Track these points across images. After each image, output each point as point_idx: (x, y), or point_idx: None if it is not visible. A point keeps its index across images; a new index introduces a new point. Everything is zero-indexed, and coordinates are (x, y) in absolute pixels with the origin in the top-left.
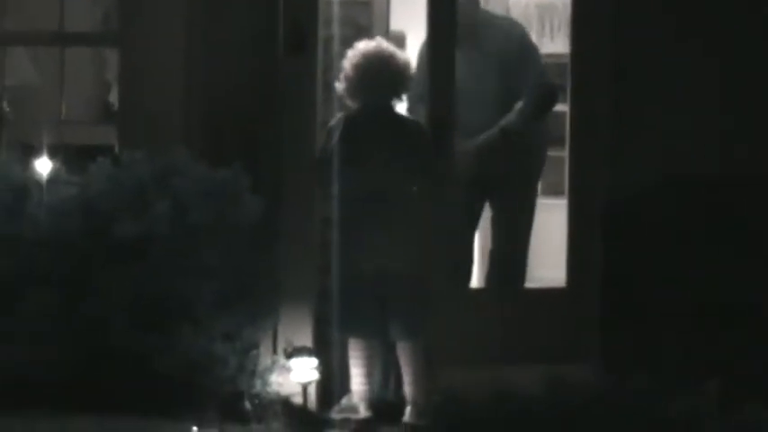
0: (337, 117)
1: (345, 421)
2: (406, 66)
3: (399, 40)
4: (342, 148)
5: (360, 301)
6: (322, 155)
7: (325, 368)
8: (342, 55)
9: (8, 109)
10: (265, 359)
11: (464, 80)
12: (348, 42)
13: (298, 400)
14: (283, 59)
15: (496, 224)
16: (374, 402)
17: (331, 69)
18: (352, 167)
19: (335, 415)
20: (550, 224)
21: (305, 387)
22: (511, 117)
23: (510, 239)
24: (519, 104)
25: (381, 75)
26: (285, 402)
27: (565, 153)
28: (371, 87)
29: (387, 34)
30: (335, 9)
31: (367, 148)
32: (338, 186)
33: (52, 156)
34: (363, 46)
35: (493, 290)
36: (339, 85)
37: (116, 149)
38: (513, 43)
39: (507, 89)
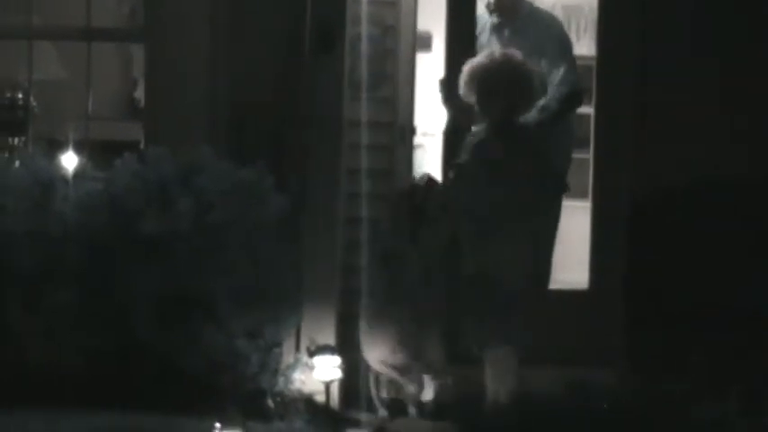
0: (475, 131)
1: (368, 420)
2: (533, 80)
3: (425, 41)
4: (486, 166)
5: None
6: (466, 170)
7: (348, 366)
8: (369, 54)
9: (35, 104)
10: (288, 357)
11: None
12: (374, 41)
13: (320, 398)
14: (310, 58)
15: None
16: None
17: (357, 68)
18: (491, 185)
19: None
20: (575, 227)
21: (327, 385)
22: (533, 114)
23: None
24: (542, 101)
25: (519, 93)
26: (308, 400)
27: (589, 155)
28: (510, 107)
29: (413, 34)
30: (363, 8)
31: (508, 166)
32: (475, 202)
33: (78, 151)
34: (497, 57)
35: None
36: (463, 92)
37: (141, 146)
38: (550, 35)
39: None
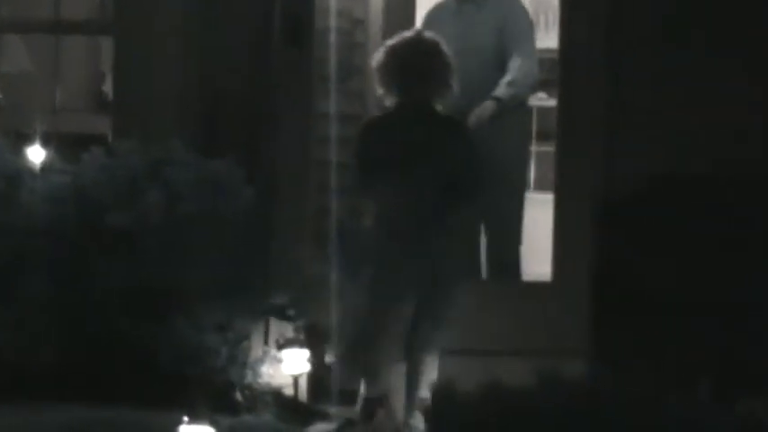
0: (369, 116)
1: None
2: (451, 61)
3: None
4: (378, 152)
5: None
6: (360, 158)
7: (316, 359)
8: (338, 47)
9: (1, 97)
10: (257, 350)
11: (461, 37)
12: (343, 35)
13: (289, 391)
14: (279, 50)
15: (489, 218)
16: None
17: (326, 61)
18: (388, 173)
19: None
20: (542, 220)
21: (296, 378)
22: (501, 89)
23: (503, 233)
24: (506, 78)
25: (423, 68)
26: (276, 394)
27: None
28: (410, 83)
29: (383, 28)
30: (332, 1)
31: (404, 151)
32: (375, 192)
33: (46, 144)
34: (402, 35)
35: (489, 283)
36: (376, 77)
37: (109, 139)
38: (513, 16)
39: (499, 56)
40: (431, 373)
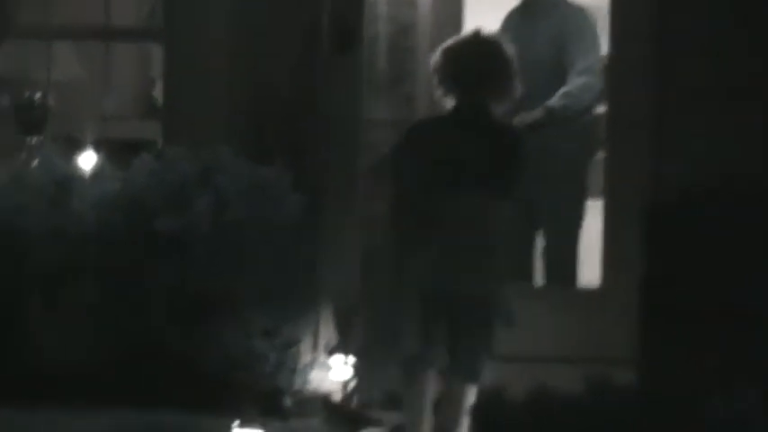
0: (420, 119)
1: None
2: (512, 62)
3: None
4: (417, 154)
5: (420, 327)
6: (402, 162)
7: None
8: (388, 53)
9: (53, 103)
10: (305, 356)
11: (522, 49)
12: (392, 40)
13: (337, 397)
14: (329, 56)
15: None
16: None
17: (375, 67)
18: (425, 177)
19: None
20: (591, 226)
21: (345, 384)
22: (554, 99)
23: (560, 238)
24: (565, 88)
25: (481, 68)
26: (325, 399)
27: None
28: (467, 83)
29: (431, 33)
30: (381, 7)
31: (447, 157)
32: (407, 194)
33: (96, 150)
34: (461, 35)
35: (538, 289)
36: (434, 79)
37: (159, 145)
38: (577, 24)
39: (561, 69)
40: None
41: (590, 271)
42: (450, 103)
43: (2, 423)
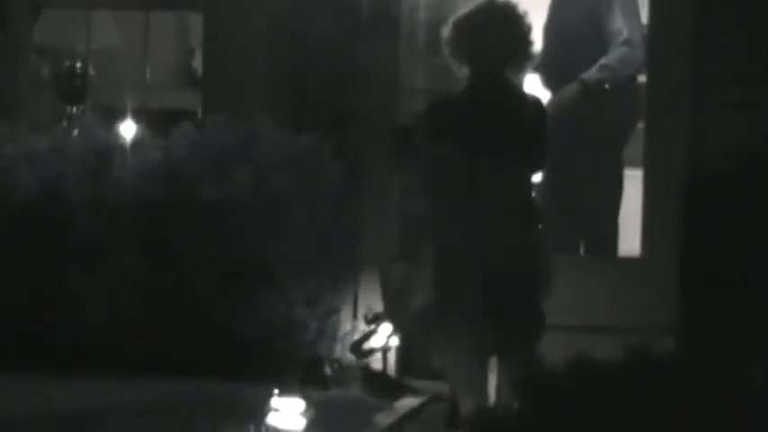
0: (437, 98)
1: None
2: (530, 28)
3: None
4: (439, 129)
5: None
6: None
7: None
8: (425, 23)
9: (93, 73)
10: (345, 325)
11: (559, 24)
12: (431, 10)
13: (377, 365)
14: (368, 26)
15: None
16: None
17: (414, 37)
18: (449, 149)
19: None
20: (631, 195)
21: (385, 352)
22: (591, 71)
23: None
24: (603, 60)
25: (497, 36)
26: (365, 368)
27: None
28: (482, 53)
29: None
30: None
31: (471, 129)
32: (430, 170)
33: (136, 120)
34: (482, 2)
35: (578, 258)
36: (447, 52)
37: (199, 115)
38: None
39: (601, 42)
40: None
41: (630, 240)
42: (465, 75)
43: (43, 392)
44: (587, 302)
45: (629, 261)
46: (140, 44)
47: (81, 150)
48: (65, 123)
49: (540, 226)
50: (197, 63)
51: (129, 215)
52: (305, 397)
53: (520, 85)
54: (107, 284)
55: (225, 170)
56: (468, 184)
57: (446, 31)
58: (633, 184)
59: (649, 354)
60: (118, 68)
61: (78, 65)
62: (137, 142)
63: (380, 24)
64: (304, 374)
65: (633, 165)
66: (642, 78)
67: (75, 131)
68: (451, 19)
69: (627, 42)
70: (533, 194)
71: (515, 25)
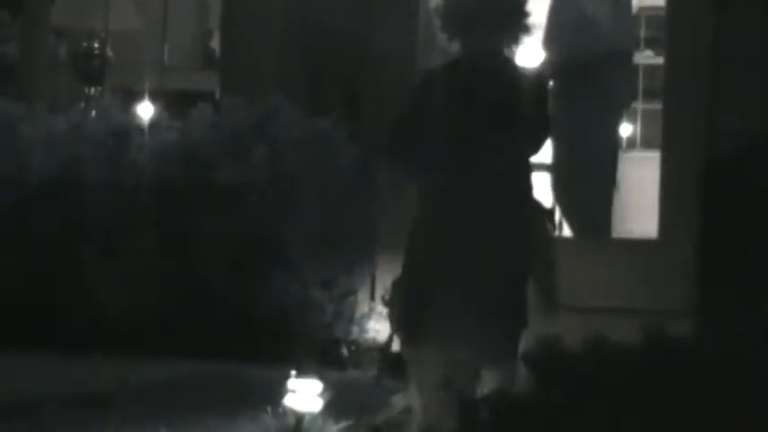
0: (430, 69)
1: None
2: None
3: None
4: (432, 110)
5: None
6: (405, 119)
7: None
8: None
9: (111, 54)
10: (362, 306)
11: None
12: None
13: (395, 346)
14: (384, 9)
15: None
16: None
17: (430, 19)
18: (443, 135)
19: None
20: (649, 178)
21: None
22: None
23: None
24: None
25: (490, 6)
26: (381, 349)
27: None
28: (475, 25)
29: None
30: None
31: (466, 109)
32: (425, 160)
33: (154, 101)
34: None
35: (596, 239)
36: (438, 23)
37: (216, 96)
38: None
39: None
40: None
41: (648, 223)
42: (457, 48)
43: (59, 371)
44: (605, 285)
45: (647, 243)
46: (158, 26)
47: (99, 131)
48: (82, 104)
49: (541, 222)
50: (215, 44)
51: (146, 196)
52: (322, 378)
53: (515, 59)
54: (123, 265)
55: (241, 151)
56: (457, 175)
57: (437, 2)
58: (651, 166)
59: (666, 336)
60: (136, 50)
61: (96, 46)
62: (154, 123)
63: (397, 8)
64: (321, 356)
65: (651, 147)
66: (646, 60)
67: (93, 112)
68: None
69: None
70: (532, 183)
71: None
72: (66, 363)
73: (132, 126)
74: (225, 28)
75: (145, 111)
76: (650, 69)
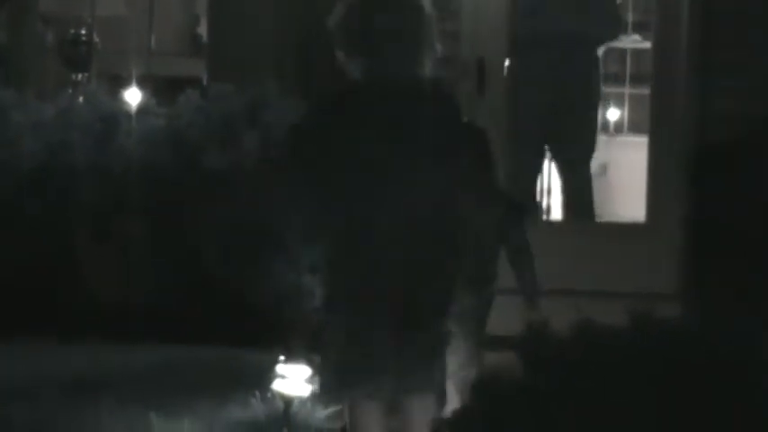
0: (320, 95)
1: None
2: (430, 15)
3: None
4: (329, 144)
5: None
6: (290, 157)
7: None
8: None
9: (98, 40)
10: None
11: None
12: None
13: None
14: None
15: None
16: None
17: None
18: (342, 171)
19: None
20: (637, 162)
21: None
22: None
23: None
24: None
25: (394, 25)
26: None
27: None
28: (379, 42)
29: None
30: None
31: (370, 143)
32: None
33: (141, 87)
34: None
35: (569, 222)
36: (335, 41)
37: (204, 82)
38: None
39: None
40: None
41: (636, 207)
42: (357, 69)
43: (52, 358)
44: (593, 268)
45: (635, 227)
46: (145, 12)
47: (87, 117)
48: (70, 91)
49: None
50: (202, 30)
51: (134, 182)
52: (311, 363)
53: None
54: (113, 251)
55: (231, 137)
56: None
57: (335, 14)
58: (638, 150)
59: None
60: (123, 36)
61: (83, 32)
62: (142, 109)
63: None
64: (311, 341)
65: (638, 131)
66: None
67: (81, 99)
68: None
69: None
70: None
71: (417, 10)
72: (62, 348)
73: (120, 112)
74: (212, 13)
75: (132, 97)
76: (637, 54)
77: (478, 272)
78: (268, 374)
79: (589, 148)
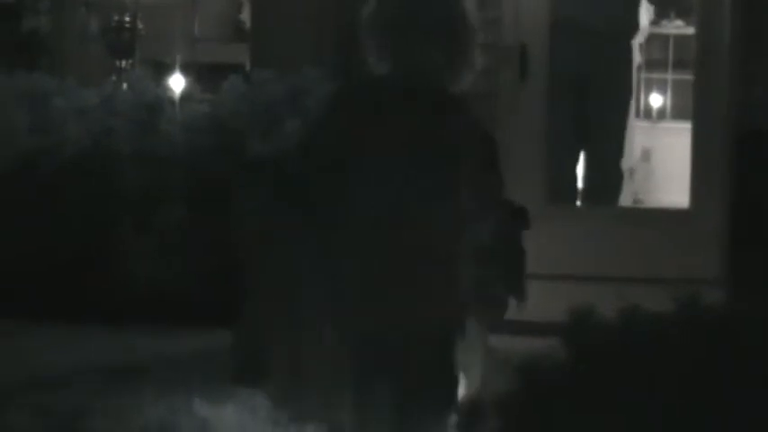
0: (341, 87)
1: None
2: (469, 15)
3: None
4: (337, 145)
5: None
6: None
7: None
8: None
9: (142, 27)
10: None
11: None
12: None
13: None
14: None
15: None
16: None
17: None
18: (349, 178)
19: None
20: (680, 148)
21: None
22: None
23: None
24: None
25: (432, 25)
26: None
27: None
28: (409, 48)
29: None
30: None
31: (383, 148)
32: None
33: (184, 74)
34: None
35: (627, 210)
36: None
37: (247, 68)
38: None
39: None
40: None
41: (679, 193)
42: (383, 67)
43: (92, 343)
44: (637, 254)
45: (679, 213)
46: None
47: (130, 104)
48: (114, 78)
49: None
50: (245, 16)
51: (177, 168)
52: None
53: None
54: (155, 237)
55: (273, 124)
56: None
57: (368, 7)
58: (682, 136)
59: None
60: (166, 22)
61: (127, 19)
62: (185, 96)
63: None
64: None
65: (682, 117)
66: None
67: (125, 85)
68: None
69: None
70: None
71: (456, 9)
72: (103, 335)
73: (163, 98)
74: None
75: (176, 83)
76: (680, 39)
77: (481, 287)
78: None
79: (619, 145)
